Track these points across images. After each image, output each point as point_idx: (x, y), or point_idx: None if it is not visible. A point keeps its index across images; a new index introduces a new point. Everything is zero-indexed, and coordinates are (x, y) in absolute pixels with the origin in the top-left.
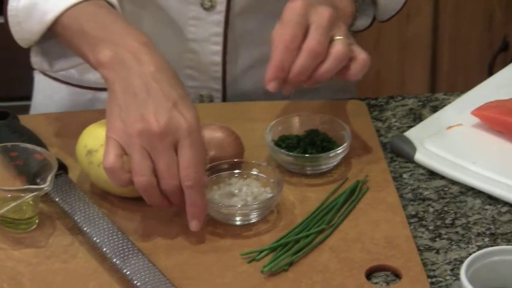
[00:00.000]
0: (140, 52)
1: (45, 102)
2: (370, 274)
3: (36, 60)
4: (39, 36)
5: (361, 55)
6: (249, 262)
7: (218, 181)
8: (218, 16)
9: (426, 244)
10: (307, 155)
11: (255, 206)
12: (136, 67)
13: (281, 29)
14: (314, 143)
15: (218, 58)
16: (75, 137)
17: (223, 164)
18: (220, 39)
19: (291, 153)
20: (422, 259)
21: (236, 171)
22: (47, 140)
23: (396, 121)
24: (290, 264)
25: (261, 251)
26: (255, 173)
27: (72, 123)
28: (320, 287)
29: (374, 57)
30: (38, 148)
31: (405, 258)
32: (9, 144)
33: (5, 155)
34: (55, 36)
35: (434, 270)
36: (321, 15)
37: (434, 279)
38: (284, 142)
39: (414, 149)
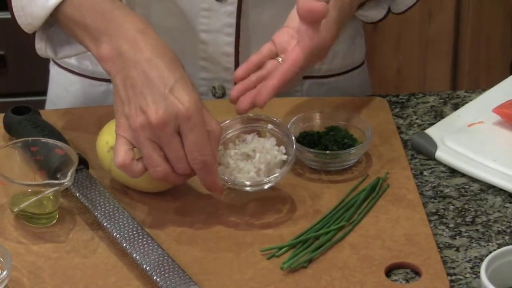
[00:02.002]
0: (137, 41)
1: (60, 95)
2: (389, 271)
3: (40, 46)
4: (42, 21)
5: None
6: (269, 258)
7: (233, 138)
8: (231, 7)
9: (446, 242)
10: (328, 151)
11: (265, 180)
12: (132, 57)
13: (299, 53)
14: (335, 139)
15: (231, 49)
16: (95, 132)
17: (238, 123)
18: (232, 30)
19: (312, 150)
20: (442, 257)
21: (251, 125)
22: (68, 135)
23: (417, 118)
24: (310, 260)
25: (281, 248)
26: (270, 128)
27: (93, 117)
28: (340, 283)
29: (396, 54)
30: (59, 143)
31: (425, 256)
32: (30, 138)
33: (26, 150)
34: (58, 23)
35: (454, 268)
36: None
37: (454, 277)
38: (305, 139)
39: (435, 146)
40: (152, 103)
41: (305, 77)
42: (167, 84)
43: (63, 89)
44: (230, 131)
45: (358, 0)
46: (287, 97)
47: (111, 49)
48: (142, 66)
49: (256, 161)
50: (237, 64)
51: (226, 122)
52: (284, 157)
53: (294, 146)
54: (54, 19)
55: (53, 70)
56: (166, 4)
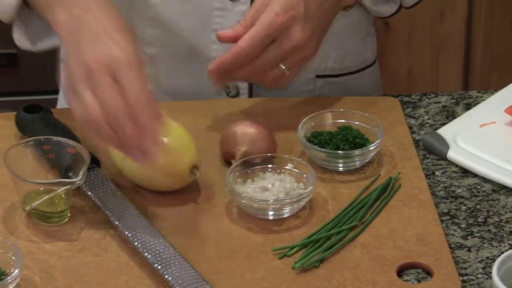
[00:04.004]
0: (89, 4)
1: None
2: (401, 271)
3: (17, 37)
4: (15, 7)
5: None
6: (280, 258)
7: (252, 175)
8: (243, 6)
9: (458, 242)
10: (339, 151)
11: (287, 201)
12: (82, 16)
13: (245, 36)
14: (347, 139)
15: None
16: None
17: (256, 159)
18: None
19: (323, 149)
20: (453, 257)
21: (270, 166)
22: (80, 133)
23: (429, 118)
24: (322, 260)
25: (293, 247)
26: (288, 168)
27: None
28: (351, 283)
29: (408, 54)
30: (71, 142)
31: (436, 256)
32: (42, 137)
33: (38, 148)
34: (31, 7)
35: (465, 268)
36: (290, 41)
37: (465, 277)
38: (317, 138)
39: (447, 146)
40: (92, 48)
41: (318, 76)
42: (107, 31)
43: None
44: (248, 169)
45: None
46: (299, 96)
47: (65, 16)
48: (88, 20)
49: (275, 189)
50: None
51: (246, 159)
52: (303, 191)
53: (314, 184)
54: (28, 6)
55: (63, 66)
56: (180, 4)
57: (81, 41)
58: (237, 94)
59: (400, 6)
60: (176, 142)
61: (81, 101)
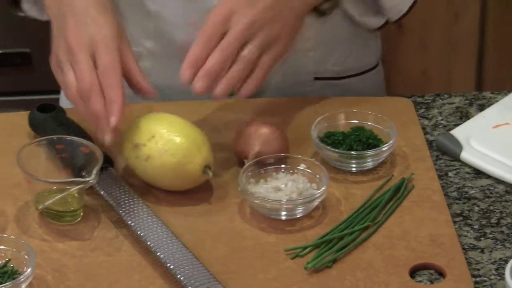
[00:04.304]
0: None
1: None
2: (414, 272)
3: (26, 7)
4: None
5: (258, 72)
6: (293, 258)
7: (265, 175)
8: None
9: (471, 243)
10: (352, 152)
11: (300, 201)
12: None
13: (203, 28)
14: (360, 140)
15: None
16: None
17: (269, 159)
18: None
19: (336, 150)
20: (466, 258)
21: (283, 166)
22: (93, 133)
23: (442, 119)
24: (334, 260)
25: (305, 247)
26: (301, 168)
27: None
28: (364, 284)
29: (421, 55)
30: (84, 141)
31: (449, 257)
32: (55, 136)
33: (51, 148)
34: None
35: (478, 270)
36: (241, 21)
37: (478, 279)
38: (330, 139)
39: (460, 147)
40: (74, 30)
41: (316, 78)
42: (90, 14)
43: None
44: (261, 169)
45: None
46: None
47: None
48: (74, 4)
49: (288, 189)
50: None
51: (259, 159)
52: (315, 191)
53: (327, 184)
54: None
55: None
56: (180, 1)
57: (66, 23)
58: (231, 94)
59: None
60: (189, 142)
61: (64, 78)
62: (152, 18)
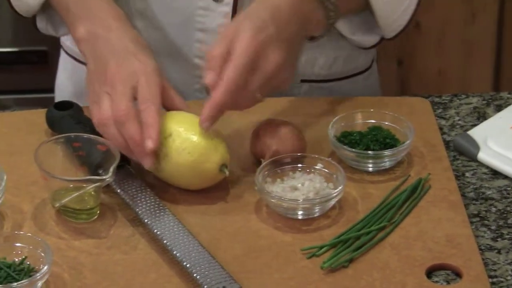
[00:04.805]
0: (110, 26)
1: (65, 83)
2: (430, 272)
3: (42, 25)
4: (38, 8)
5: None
6: (309, 257)
7: (281, 174)
8: (226, 7)
9: (488, 244)
10: (369, 151)
11: (317, 201)
12: (104, 35)
13: (231, 68)
14: (377, 139)
15: None
16: None
17: (286, 158)
18: None
19: (353, 149)
20: (483, 259)
21: (300, 165)
22: None
23: (459, 120)
24: (350, 260)
25: (322, 247)
26: (318, 167)
27: None
28: (380, 284)
29: (438, 55)
30: (101, 139)
31: (466, 258)
32: (72, 134)
33: (68, 146)
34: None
35: (495, 270)
36: (268, 65)
37: (495, 279)
38: (347, 138)
39: (477, 148)
40: (116, 63)
41: (303, 81)
42: (129, 51)
43: (67, 76)
44: (278, 168)
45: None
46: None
47: (86, 32)
48: (111, 39)
49: (304, 189)
50: None
51: (275, 158)
52: (332, 191)
53: (344, 184)
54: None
55: (62, 56)
56: (165, 0)
57: (107, 63)
58: None
59: (383, 37)
60: (205, 140)
61: (99, 106)
62: (139, 17)
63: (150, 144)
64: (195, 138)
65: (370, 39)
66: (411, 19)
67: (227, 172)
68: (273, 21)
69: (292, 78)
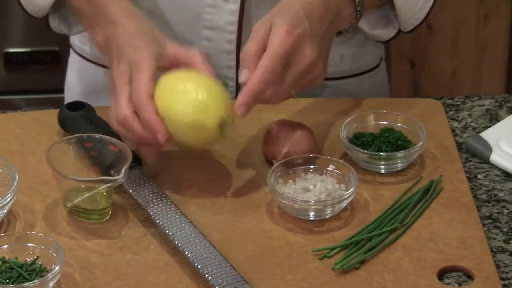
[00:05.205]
0: (124, 25)
1: (74, 81)
2: (442, 274)
3: (55, 25)
4: (48, 8)
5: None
6: (321, 259)
7: (293, 176)
8: (234, 5)
9: (500, 246)
10: (382, 153)
11: (328, 202)
12: (121, 32)
13: (267, 58)
14: (389, 141)
15: (232, 47)
16: None
17: (298, 159)
18: (234, 28)
19: (365, 151)
20: (495, 261)
21: (312, 166)
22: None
23: (472, 121)
24: (362, 262)
25: (333, 248)
26: (330, 169)
27: None
28: (392, 286)
29: (451, 57)
30: (113, 140)
31: (478, 260)
32: (84, 134)
33: (80, 146)
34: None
35: (507, 273)
36: (303, 60)
37: (506, 281)
38: (359, 140)
39: (489, 149)
40: (117, 59)
41: None
42: (130, 43)
43: (76, 75)
44: (290, 169)
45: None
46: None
47: (103, 37)
48: (117, 36)
49: (316, 190)
50: (238, 62)
51: (287, 159)
52: (344, 192)
53: (356, 185)
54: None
55: (72, 55)
56: None
57: (112, 54)
58: None
59: (400, 30)
60: (203, 94)
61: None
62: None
63: (161, 138)
64: (193, 93)
65: (388, 33)
66: (429, 11)
67: (228, 132)
68: (307, 17)
69: (324, 74)
